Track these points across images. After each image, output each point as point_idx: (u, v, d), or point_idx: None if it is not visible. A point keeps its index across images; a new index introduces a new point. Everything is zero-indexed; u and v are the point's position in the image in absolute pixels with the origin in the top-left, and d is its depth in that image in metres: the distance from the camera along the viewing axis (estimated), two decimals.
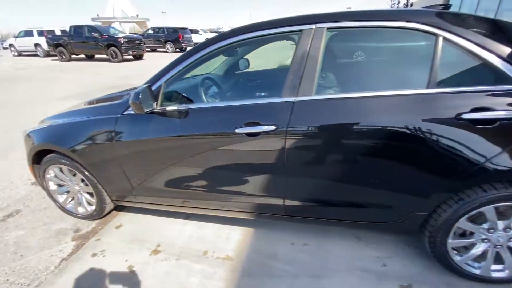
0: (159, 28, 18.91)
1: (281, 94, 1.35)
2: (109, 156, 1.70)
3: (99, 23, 18.55)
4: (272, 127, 1.31)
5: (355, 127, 1.24)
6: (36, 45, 15.23)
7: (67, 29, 13.57)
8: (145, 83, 1.59)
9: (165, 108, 1.53)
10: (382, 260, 1.60)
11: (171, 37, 18.18)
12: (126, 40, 12.82)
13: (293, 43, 1.40)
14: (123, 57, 12.84)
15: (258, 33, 1.38)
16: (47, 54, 15.12)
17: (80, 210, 2.09)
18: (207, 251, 1.74)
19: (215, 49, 1.46)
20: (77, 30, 13.06)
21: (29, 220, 2.16)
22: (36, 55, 15.85)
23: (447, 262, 1.40)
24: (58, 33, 14.87)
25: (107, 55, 12.94)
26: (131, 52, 13.13)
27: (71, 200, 2.10)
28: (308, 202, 1.47)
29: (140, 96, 1.39)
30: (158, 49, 19.10)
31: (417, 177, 1.24)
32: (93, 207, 2.01)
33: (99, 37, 12.65)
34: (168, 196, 1.76)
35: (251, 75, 2.29)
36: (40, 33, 15.02)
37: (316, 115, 1.28)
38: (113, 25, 22.05)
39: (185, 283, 1.52)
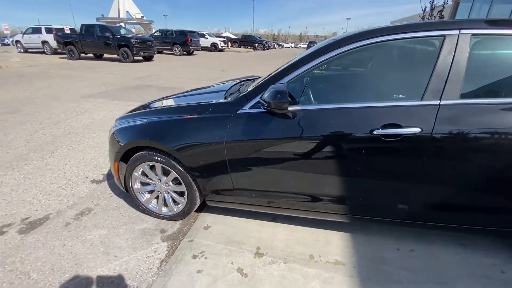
0: (167, 31, 18.93)
1: (421, 97, 1.34)
2: (216, 155, 1.66)
3: (104, 23, 18.43)
4: (417, 130, 1.30)
5: (503, 133, 1.24)
6: (44, 42, 15.02)
7: (73, 27, 13.40)
8: (265, 80, 1.58)
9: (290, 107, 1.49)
10: (498, 266, 1.58)
11: (179, 39, 18.23)
12: (138, 41, 12.77)
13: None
14: (134, 57, 12.77)
15: (396, 36, 1.38)
16: (54, 52, 14.94)
17: (164, 210, 2.02)
18: (312, 255, 1.69)
19: (346, 51, 1.45)
20: (88, 29, 12.96)
21: (105, 219, 2.08)
22: (42, 52, 15.63)
23: None
24: (66, 31, 14.71)
25: (118, 55, 12.85)
26: (142, 53, 13.07)
27: (154, 200, 2.04)
28: (438, 208, 1.46)
29: (282, 96, 1.37)
30: (164, 51, 19.09)
31: None
32: (181, 207, 1.95)
33: (111, 36, 12.56)
34: (273, 196, 1.72)
35: (348, 76, 2.20)
36: (49, 30, 14.85)
37: (463, 120, 1.28)
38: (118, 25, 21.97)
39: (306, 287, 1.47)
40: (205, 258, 1.68)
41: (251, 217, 2.05)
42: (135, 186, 2.00)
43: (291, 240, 1.83)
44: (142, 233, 1.93)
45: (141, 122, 1.85)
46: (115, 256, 1.72)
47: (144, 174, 1.94)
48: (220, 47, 23.59)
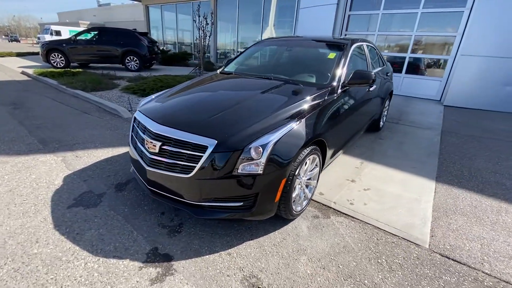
0: None
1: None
2: (336, 125, 2.29)
3: None
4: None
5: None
6: None
7: None
8: (342, 70, 2.42)
9: None
10: None
11: None
12: None
13: None
14: None
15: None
16: None
17: (302, 202, 2.10)
18: (359, 167, 2.95)
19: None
20: None
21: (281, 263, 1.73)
22: None
23: None
24: None
25: None
26: None
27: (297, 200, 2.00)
28: None
29: (365, 75, 2.38)
30: None
31: None
32: (312, 189, 2.19)
33: None
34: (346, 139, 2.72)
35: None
36: None
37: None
38: None
39: None
40: (353, 202, 2.31)
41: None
42: (293, 195, 1.88)
43: (358, 167, 2.91)
44: (312, 229, 1.98)
45: (293, 125, 1.78)
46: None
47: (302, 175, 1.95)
48: None
